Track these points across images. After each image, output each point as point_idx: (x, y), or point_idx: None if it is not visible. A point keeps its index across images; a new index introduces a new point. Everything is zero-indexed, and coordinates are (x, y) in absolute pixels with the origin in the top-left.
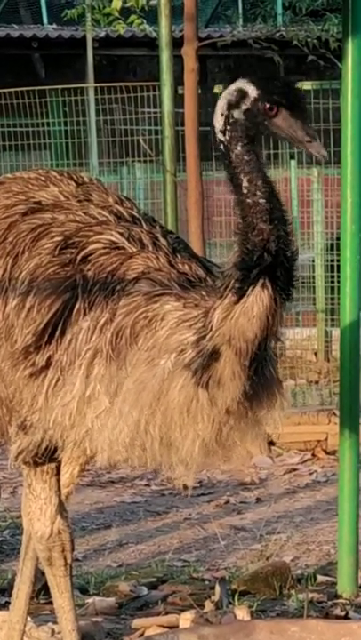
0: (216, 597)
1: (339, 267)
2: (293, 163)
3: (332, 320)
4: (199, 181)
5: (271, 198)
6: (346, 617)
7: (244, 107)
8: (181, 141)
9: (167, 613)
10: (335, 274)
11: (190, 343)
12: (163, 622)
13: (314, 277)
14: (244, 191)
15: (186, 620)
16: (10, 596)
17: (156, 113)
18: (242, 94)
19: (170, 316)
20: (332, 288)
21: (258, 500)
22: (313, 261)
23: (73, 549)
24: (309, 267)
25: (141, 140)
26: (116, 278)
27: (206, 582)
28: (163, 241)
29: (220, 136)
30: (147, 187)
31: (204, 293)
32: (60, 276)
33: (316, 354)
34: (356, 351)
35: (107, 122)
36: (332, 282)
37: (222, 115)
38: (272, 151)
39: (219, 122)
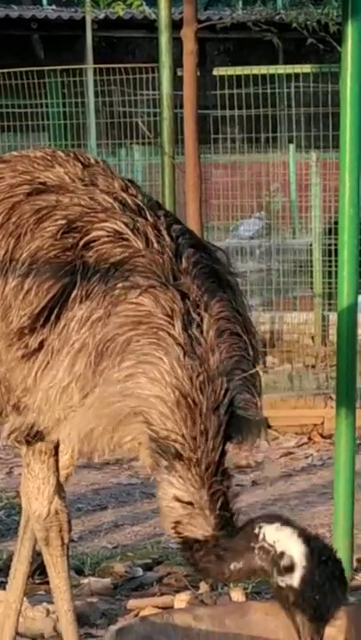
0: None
1: (337, 251)
2: (292, 147)
3: (330, 304)
4: (197, 164)
5: None
6: None
7: (286, 581)
8: (180, 124)
9: (162, 594)
10: (333, 258)
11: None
12: (158, 603)
13: (311, 262)
14: None
15: (181, 601)
16: (6, 575)
17: (154, 95)
18: (290, 567)
19: (162, 367)
20: (330, 272)
21: (254, 483)
22: (311, 246)
23: (70, 530)
24: (307, 251)
25: (140, 122)
26: (118, 274)
27: None
28: (166, 238)
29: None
30: (145, 169)
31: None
32: (61, 261)
33: (313, 338)
34: (354, 335)
35: (105, 103)
36: (330, 266)
37: (269, 546)
38: (271, 134)
39: (264, 542)
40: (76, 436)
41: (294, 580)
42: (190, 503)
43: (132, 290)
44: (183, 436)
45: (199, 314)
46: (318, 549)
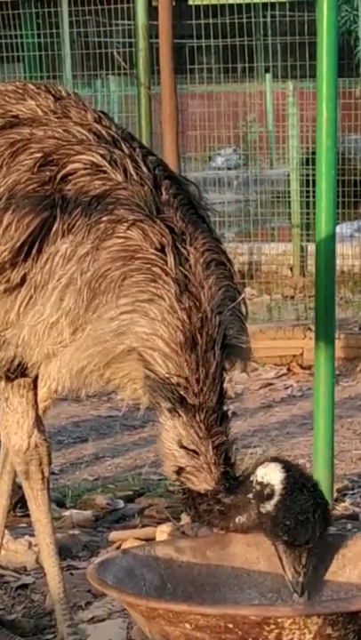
0: None
1: (314, 181)
2: (269, 76)
3: (308, 235)
4: (174, 95)
5: None
6: None
7: (266, 508)
8: (156, 54)
9: (144, 526)
10: (311, 189)
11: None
12: (139, 535)
13: (289, 192)
14: None
15: (162, 532)
16: None
17: (130, 25)
18: (269, 493)
19: (162, 305)
20: (308, 203)
21: (234, 414)
22: (288, 176)
23: (50, 463)
24: (285, 181)
25: (115, 53)
26: (101, 208)
27: None
28: (144, 169)
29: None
30: (121, 100)
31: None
32: (40, 195)
33: (291, 269)
34: (332, 266)
35: (80, 34)
36: (308, 197)
37: (255, 493)
38: (247, 64)
39: (257, 484)
40: (67, 373)
41: (270, 504)
42: (195, 452)
43: (119, 224)
44: (187, 378)
45: (185, 247)
46: (295, 478)
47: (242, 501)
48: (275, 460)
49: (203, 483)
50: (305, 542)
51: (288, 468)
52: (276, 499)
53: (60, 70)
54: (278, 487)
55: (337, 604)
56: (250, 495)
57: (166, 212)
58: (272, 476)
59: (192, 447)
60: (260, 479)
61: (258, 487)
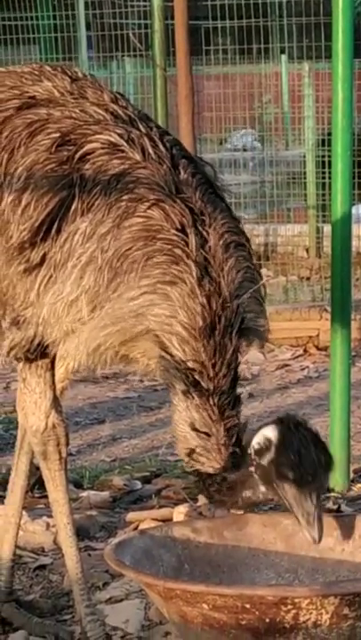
0: None
1: (330, 162)
2: (284, 57)
3: (324, 216)
4: (189, 76)
5: None
6: (338, 510)
7: (267, 458)
8: (171, 35)
9: (161, 507)
10: (326, 170)
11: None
12: (156, 516)
13: (305, 173)
14: None
15: (179, 513)
16: (5, 490)
17: (145, 6)
18: (267, 444)
19: (183, 288)
20: (323, 184)
21: (250, 395)
22: (304, 157)
23: (68, 444)
24: (300, 163)
25: (131, 35)
26: (120, 187)
27: None
28: (162, 148)
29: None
30: (136, 82)
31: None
32: (58, 174)
33: (307, 250)
34: (348, 247)
35: (96, 16)
36: (323, 178)
37: (253, 451)
38: (263, 45)
39: (255, 455)
40: (84, 350)
41: (271, 452)
42: (207, 434)
43: (140, 203)
44: (203, 363)
45: (205, 228)
46: (288, 421)
47: (245, 476)
48: (262, 425)
49: (212, 462)
50: (312, 475)
51: (281, 420)
52: (274, 445)
53: (76, 52)
54: (274, 434)
55: (354, 584)
56: (251, 468)
57: (185, 191)
58: (265, 432)
59: (204, 429)
60: (257, 447)
61: (256, 455)
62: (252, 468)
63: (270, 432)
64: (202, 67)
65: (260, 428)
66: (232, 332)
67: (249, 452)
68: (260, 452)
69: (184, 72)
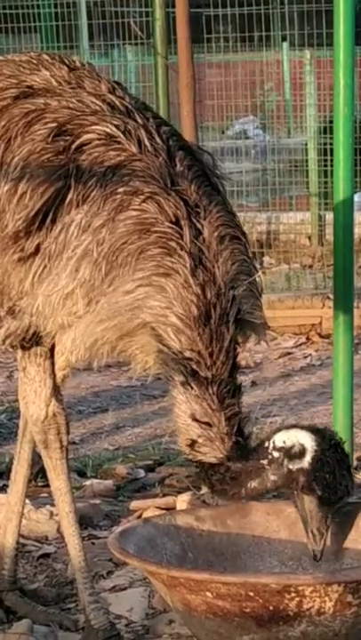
0: None
1: (332, 150)
2: (286, 45)
3: (326, 204)
4: (190, 64)
5: None
6: None
7: (297, 465)
8: (172, 23)
9: (164, 495)
10: (328, 157)
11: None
12: (160, 504)
13: (307, 161)
14: None
15: (183, 501)
16: (8, 479)
17: None
18: (301, 451)
19: (177, 280)
20: (325, 172)
21: (253, 383)
22: (306, 145)
23: (68, 432)
24: (302, 150)
25: (132, 23)
26: (116, 179)
27: None
28: (158, 140)
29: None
30: (138, 70)
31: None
32: (54, 164)
33: (309, 238)
34: (350, 234)
35: (97, 4)
36: (325, 165)
37: (278, 451)
38: (264, 33)
39: (274, 450)
40: (81, 344)
41: (305, 461)
42: (208, 424)
43: (134, 196)
44: (200, 352)
45: (199, 220)
46: (328, 435)
47: (254, 467)
48: (293, 426)
49: (215, 451)
50: (337, 500)
51: (314, 429)
52: (310, 454)
53: (77, 40)
54: (310, 444)
55: (358, 571)
56: (264, 461)
57: (181, 183)
58: (299, 436)
59: (205, 420)
60: (280, 444)
61: (277, 452)
62: (265, 461)
63: (306, 439)
64: (203, 55)
65: (289, 426)
66: (228, 321)
67: (266, 445)
68: (289, 454)
69: (185, 60)
